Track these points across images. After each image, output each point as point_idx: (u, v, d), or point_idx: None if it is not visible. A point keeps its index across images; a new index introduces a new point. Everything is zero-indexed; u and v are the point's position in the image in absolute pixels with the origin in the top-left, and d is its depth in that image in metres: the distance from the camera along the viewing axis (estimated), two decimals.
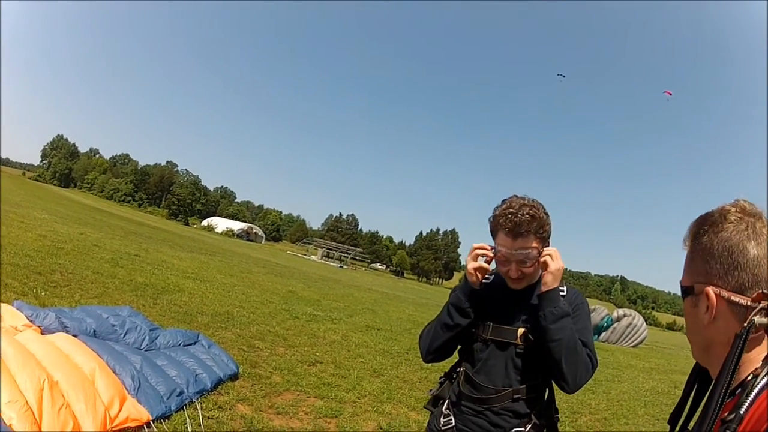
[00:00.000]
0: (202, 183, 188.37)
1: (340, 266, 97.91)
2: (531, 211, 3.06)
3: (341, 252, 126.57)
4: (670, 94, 78.44)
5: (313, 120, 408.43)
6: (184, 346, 8.34)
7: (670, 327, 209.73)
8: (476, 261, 3.21)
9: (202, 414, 6.35)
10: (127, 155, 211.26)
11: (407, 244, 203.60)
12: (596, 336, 32.75)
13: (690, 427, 1.61)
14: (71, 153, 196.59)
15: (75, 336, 6.78)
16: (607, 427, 10.74)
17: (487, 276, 3.37)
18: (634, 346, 34.43)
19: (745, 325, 1.34)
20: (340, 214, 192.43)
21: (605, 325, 35.00)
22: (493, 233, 3.21)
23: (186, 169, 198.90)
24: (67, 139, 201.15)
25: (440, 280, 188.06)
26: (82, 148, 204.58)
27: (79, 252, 17.31)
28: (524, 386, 3.13)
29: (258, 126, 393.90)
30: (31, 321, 6.99)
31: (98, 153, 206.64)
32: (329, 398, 8.56)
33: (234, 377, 8.15)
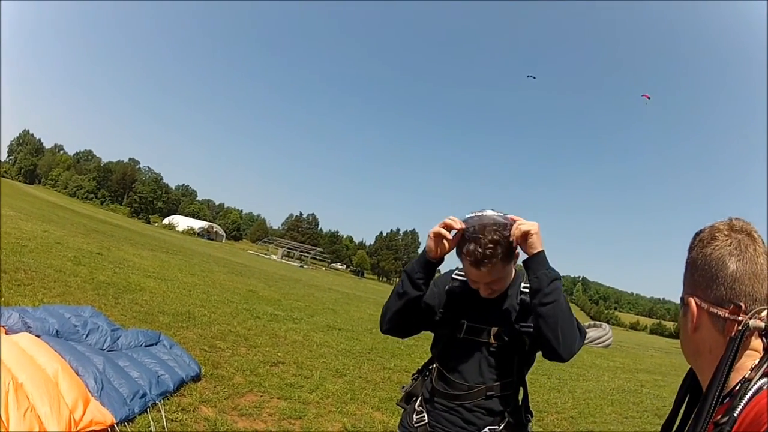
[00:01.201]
0: (164, 181, 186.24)
1: (301, 266, 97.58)
2: (495, 237, 2.92)
3: (301, 251, 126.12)
4: (648, 98, 79.31)
5: (273, 119, 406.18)
6: (146, 346, 8.23)
7: (634, 327, 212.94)
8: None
9: (165, 416, 6.27)
10: (90, 152, 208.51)
11: (367, 244, 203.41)
12: None
13: None
14: (37, 149, 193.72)
15: (38, 336, 6.68)
16: (575, 426, 10.79)
17: (461, 275, 3.37)
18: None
19: (740, 328, 1.42)
20: (301, 213, 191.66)
21: None
22: (459, 257, 3.13)
23: (148, 167, 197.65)
24: (33, 135, 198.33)
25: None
26: (48, 144, 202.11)
27: (42, 250, 17.06)
28: (498, 383, 3.11)
29: (219, 123, 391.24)
30: None
31: (62, 149, 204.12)
32: (293, 399, 8.49)
33: (196, 378, 8.05)
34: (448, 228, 3.06)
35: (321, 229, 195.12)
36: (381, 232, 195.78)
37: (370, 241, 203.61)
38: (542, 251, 2.95)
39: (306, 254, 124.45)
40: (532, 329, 3.05)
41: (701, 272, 1.57)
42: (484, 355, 3.14)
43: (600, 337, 34.75)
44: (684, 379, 1.75)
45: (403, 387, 3.60)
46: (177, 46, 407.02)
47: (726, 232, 1.57)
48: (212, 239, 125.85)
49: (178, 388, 7.28)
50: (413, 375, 3.57)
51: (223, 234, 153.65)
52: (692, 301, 1.57)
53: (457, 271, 3.48)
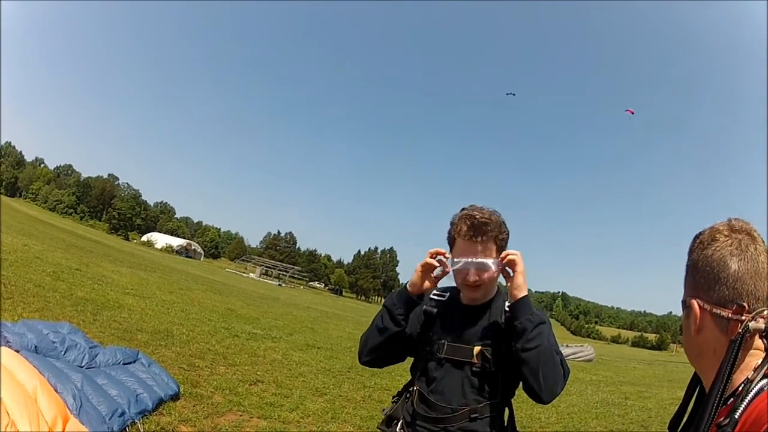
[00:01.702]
0: (143, 197, 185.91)
1: (279, 284, 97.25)
2: (489, 216, 3.05)
3: (279, 270, 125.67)
4: (632, 113, 79.71)
5: (251, 137, 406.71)
6: (124, 364, 8.10)
7: (615, 340, 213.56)
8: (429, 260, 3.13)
9: None
10: (70, 166, 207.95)
11: (345, 262, 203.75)
12: None
13: None
14: (18, 161, 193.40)
15: (17, 351, 6.58)
16: None
17: (441, 294, 3.36)
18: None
19: (740, 330, 1.42)
20: (279, 232, 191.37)
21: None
22: (451, 242, 3.17)
23: (127, 183, 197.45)
24: (14, 147, 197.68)
25: (379, 299, 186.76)
26: (29, 157, 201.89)
27: (22, 264, 16.95)
28: (482, 405, 3.01)
29: (197, 141, 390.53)
30: None
31: (43, 162, 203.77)
32: (273, 419, 8.38)
33: (175, 397, 7.94)
34: (435, 256, 3.11)
35: (299, 248, 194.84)
36: (359, 251, 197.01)
37: (348, 259, 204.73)
38: (527, 295, 2.97)
39: (284, 273, 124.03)
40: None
41: (703, 274, 1.58)
42: (467, 375, 3.05)
43: (575, 353, 34.94)
44: (692, 379, 1.74)
45: (383, 410, 3.45)
46: (156, 58, 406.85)
47: (726, 233, 1.58)
48: (191, 257, 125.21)
49: (156, 407, 7.17)
50: (393, 397, 3.43)
51: (202, 252, 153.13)
52: (695, 303, 1.57)
53: (435, 292, 3.41)
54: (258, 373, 11.29)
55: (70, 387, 6.09)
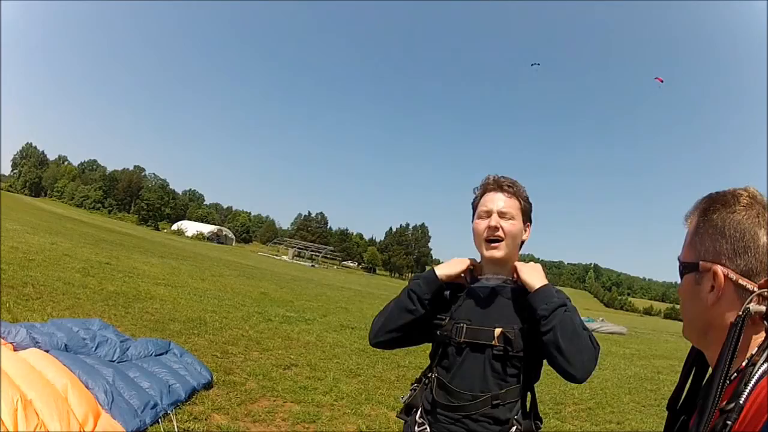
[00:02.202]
0: (170, 186, 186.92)
1: (312, 265, 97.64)
2: (515, 181, 3.13)
3: (312, 251, 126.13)
4: (662, 81, 78.22)
5: (276, 120, 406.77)
6: (156, 356, 8.23)
7: (647, 312, 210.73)
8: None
9: (177, 426, 6.28)
10: (95, 161, 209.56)
11: (377, 240, 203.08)
12: None
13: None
14: (41, 161, 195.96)
15: (47, 351, 6.70)
16: (593, 416, 10.73)
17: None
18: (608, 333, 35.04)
19: (740, 313, 1.34)
20: (309, 213, 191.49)
21: (586, 320, 36.29)
22: (475, 202, 3.18)
23: (153, 173, 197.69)
24: (36, 147, 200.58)
25: (412, 275, 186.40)
26: (51, 156, 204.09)
27: (51, 263, 17.15)
28: (504, 391, 2.89)
29: (223, 127, 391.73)
30: (3, 338, 6.91)
31: (67, 160, 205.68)
32: (306, 402, 8.44)
33: (208, 386, 8.05)
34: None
35: (330, 228, 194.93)
36: (391, 228, 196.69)
37: (380, 237, 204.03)
38: (543, 286, 2.90)
39: (317, 253, 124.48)
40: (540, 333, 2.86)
41: (730, 239, 1.44)
42: (488, 359, 2.93)
43: (598, 328, 34.98)
44: (690, 355, 1.70)
45: (402, 397, 3.36)
46: (172, 50, 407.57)
47: (750, 200, 1.47)
48: (222, 243, 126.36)
49: (189, 397, 7.28)
50: (412, 384, 3.32)
51: (233, 237, 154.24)
52: (719, 271, 1.42)
53: None
54: (292, 356, 11.39)
55: (102, 382, 6.19)
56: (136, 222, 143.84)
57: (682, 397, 1.70)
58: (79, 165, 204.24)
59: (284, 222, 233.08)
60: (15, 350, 6.56)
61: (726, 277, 1.41)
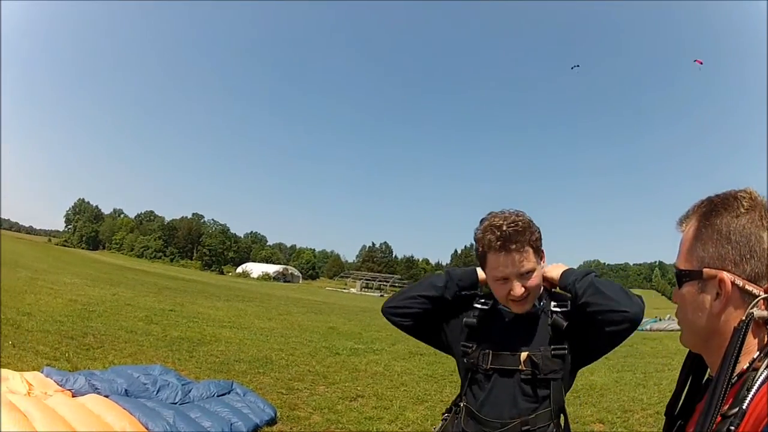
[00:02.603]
0: (231, 231, 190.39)
1: (380, 295, 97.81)
2: (515, 219, 2.89)
3: (379, 281, 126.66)
4: (701, 63, 77.16)
5: (331, 156, 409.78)
6: (218, 396, 8.39)
7: None
8: None
9: None
10: (151, 212, 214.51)
11: (444, 263, 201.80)
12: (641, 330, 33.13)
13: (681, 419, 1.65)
14: (95, 215, 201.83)
15: (107, 396, 6.88)
16: (661, 422, 10.44)
17: (485, 302, 3.22)
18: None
19: (744, 318, 1.32)
20: (373, 243, 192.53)
21: (653, 320, 36.17)
22: (483, 258, 3.02)
23: (213, 219, 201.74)
24: (89, 202, 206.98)
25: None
26: (106, 210, 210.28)
27: (112, 313, 17.59)
28: (534, 415, 2.91)
29: (277, 170, 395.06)
30: (61, 386, 7.14)
31: (122, 213, 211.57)
32: None
33: (271, 422, 8.13)
34: None
35: (396, 256, 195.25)
36: (456, 250, 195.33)
37: (446, 260, 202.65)
38: (565, 270, 3.00)
39: (384, 283, 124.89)
40: (566, 351, 2.95)
41: (735, 244, 1.41)
42: (517, 383, 2.94)
43: (668, 326, 34.42)
44: (687, 360, 1.69)
45: (434, 427, 3.38)
46: (222, 96, 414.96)
47: (751, 202, 1.44)
48: (289, 281, 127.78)
49: None
50: (444, 414, 3.34)
51: (299, 275, 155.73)
52: (726, 278, 1.39)
53: (477, 299, 3.28)
54: (358, 388, 11.42)
55: (162, 423, 6.35)
56: (200, 268, 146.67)
57: (680, 402, 1.69)
58: (135, 217, 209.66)
59: (349, 255, 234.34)
60: (73, 396, 6.75)
61: (732, 283, 1.39)
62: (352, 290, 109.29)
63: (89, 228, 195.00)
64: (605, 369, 15.44)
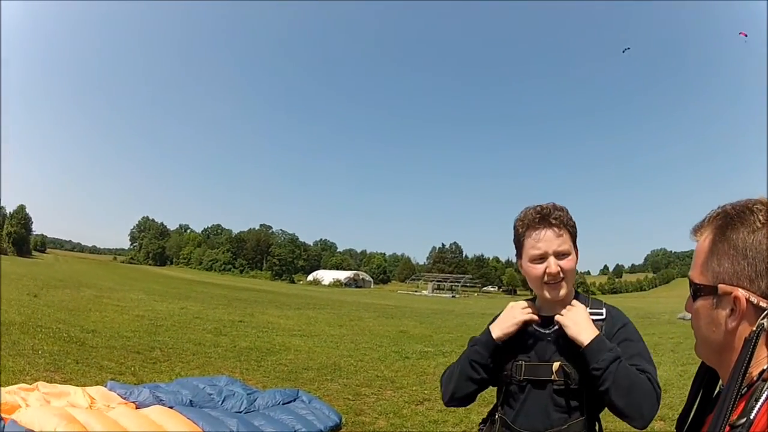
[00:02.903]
0: (300, 239, 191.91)
1: (452, 296, 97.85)
2: (554, 204, 2.97)
3: (451, 282, 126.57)
4: (746, 36, 75.73)
5: (396, 159, 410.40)
6: (284, 404, 8.55)
7: None
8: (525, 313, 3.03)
9: None
10: (218, 225, 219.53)
11: (514, 261, 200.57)
12: None
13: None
14: (161, 232, 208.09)
15: (171, 407, 7.10)
16: None
17: None
18: None
19: (754, 329, 1.34)
20: (443, 244, 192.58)
21: None
22: (521, 240, 3.05)
23: (281, 229, 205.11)
24: (153, 220, 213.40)
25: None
26: (171, 226, 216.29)
27: (180, 326, 18.06)
28: (567, 426, 2.89)
29: (344, 179, 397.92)
30: (125, 399, 7.36)
31: (189, 228, 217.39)
32: None
33: (336, 428, 8.23)
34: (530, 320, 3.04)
35: (466, 256, 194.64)
36: None
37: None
38: (591, 341, 2.79)
39: (456, 283, 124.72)
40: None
41: (751, 260, 1.40)
42: (549, 394, 2.93)
43: None
44: (697, 373, 1.68)
45: None
46: (278, 108, 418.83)
47: (766, 216, 1.42)
48: (360, 286, 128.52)
49: None
50: (480, 424, 3.33)
51: (371, 279, 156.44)
52: (741, 295, 1.39)
53: None
54: (425, 392, 11.44)
55: None
56: (270, 278, 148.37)
57: (690, 416, 1.68)
58: (202, 231, 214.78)
59: (420, 257, 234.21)
60: (137, 408, 6.97)
61: (747, 300, 1.39)
62: (424, 292, 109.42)
63: (155, 244, 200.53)
64: (670, 363, 15.21)
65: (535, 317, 3.02)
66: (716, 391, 1.63)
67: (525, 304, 3.09)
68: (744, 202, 1.49)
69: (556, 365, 2.89)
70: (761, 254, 1.38)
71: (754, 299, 1.37)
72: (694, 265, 1.57)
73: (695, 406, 1.67)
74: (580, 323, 2.85)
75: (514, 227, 3.09)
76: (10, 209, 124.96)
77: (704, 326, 1.53)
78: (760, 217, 1.41)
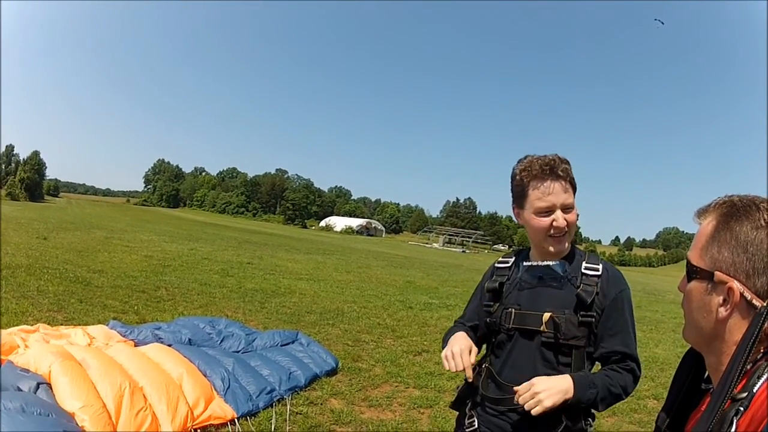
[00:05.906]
0: (315, 185, 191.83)
1: (463, 251, 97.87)
2: (558, 156, 2.84)
3: (462, 237, 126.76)
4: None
5: (418, 111, 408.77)
6: (282, 345, 8.68)
7: None
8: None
9: (290, 410, 6.56)
10: (234, 169, 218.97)
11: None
12: None
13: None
14: (176, 174, 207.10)
15: (169, 345, 7.23)
16: None
17: (505, 259, 3.18)
18: None
19: (765, 304, 1.34)
20: (458, 199, 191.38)
21: None
22: (520, 193, 2.92)
23: (297, 174, 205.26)
24: (169, 162, 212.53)
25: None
26: (186, 169, 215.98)
27: (188, 267, 18.29)
28: None
29: (364, 124, 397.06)
30: (124, 337, 7.50)
31: (204, 171, 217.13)
32: (428, 388, 8.50)
33: (332, 372, 8.35)
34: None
35: (479, 212, 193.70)
36: None
37: None
38: (572, 396, 2.61)
39: (467, 239, 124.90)
40: (593, 319, 2.80)
41: (752, 257, 1.40)
42: (537, 347, 2.84)
43: None
44: (683, 361, 1.71)
45: (458, 387, 3.25)
46: (299, 47, 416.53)
47: None
48: (372, 235, 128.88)
49: (310, 383, 7.60)
50: (466, 376, 2.96)
51: (383, 229, 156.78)
52: (735, 288, 1.40)
53: (500, 259, 3.24)
54: (425, 343, 11.51)
55: (220, 371, 6.66)
56: (283, 222, 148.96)
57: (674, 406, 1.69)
58: (218, 174, 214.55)
59: (433, 210, 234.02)
60: (136, 346, 7.11)
61: (741, 294, 1.40)
62: (435, 245, 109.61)
63: (170, 187, 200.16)
64: (670, 342, 15.22)
65: (469, 376, 2.82)
66: (701, 385, 1.65)
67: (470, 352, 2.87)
68: (752, 197, 1.49)
69: (546, 315, 2.80)
70: (761, 252, 1.39)
71: (747, 295, 1.39)
72: (693, 246, 1.58)
73: (677, 401, 1.68)
74: (550, 388, 2.60)
75: (516, 176, 2.94)
76: (24, 156, 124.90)
77: (695, 310, 1.55)
78: (765, 216, 1.42)
